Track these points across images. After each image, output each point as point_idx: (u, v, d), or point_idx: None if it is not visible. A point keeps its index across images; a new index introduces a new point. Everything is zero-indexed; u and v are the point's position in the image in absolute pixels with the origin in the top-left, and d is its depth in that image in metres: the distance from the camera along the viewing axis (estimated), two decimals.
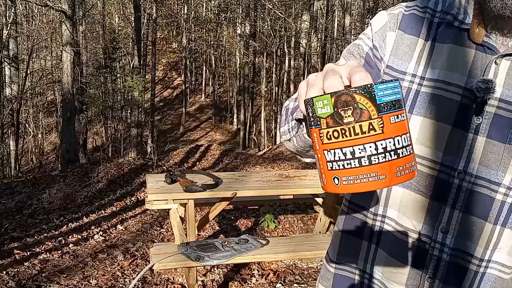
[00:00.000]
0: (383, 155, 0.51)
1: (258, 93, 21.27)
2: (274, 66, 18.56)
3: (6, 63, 11.67)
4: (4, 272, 3.72)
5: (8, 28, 11.84)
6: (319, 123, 0.53)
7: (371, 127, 0.51)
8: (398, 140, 0.52)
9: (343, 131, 0.51)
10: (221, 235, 4.70)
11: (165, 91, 26.97)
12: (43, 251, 4.33)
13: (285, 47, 17.05)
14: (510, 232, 0.77)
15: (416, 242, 0.82)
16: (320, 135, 0.54)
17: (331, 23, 20.13)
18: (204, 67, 25.85)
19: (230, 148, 14.51)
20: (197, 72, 27.45)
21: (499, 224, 0.77)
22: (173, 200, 3.21)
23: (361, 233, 0.89)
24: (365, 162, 0.51)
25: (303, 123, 0.74)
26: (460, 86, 0.77)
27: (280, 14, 15.92)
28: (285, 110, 0.84)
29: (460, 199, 0.77)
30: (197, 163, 11.20)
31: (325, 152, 0.54)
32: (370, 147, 0.51)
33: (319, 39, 16.20)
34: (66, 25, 9.49)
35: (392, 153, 0.52)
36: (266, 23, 18.02)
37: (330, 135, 0.52)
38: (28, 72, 13.79)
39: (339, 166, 0.53)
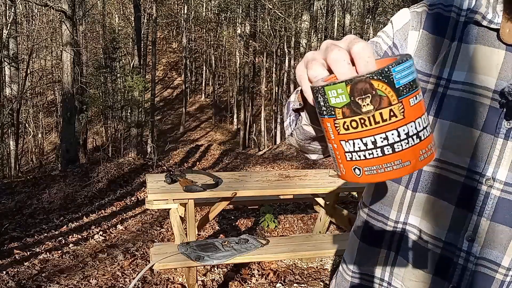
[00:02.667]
0: (406, 141, 0.48)
1: (258, 93, 21.27)
2: (274, 66, 18.57)
3: (6, 63, 11.67)
4: (4, 272, 3.72)
5: (8, 28, 11.84)
6: (333, 113, 0.49)
7: (392, 113, 0.48)
8: (419, 122, 0.49)
9: (362, 121, 0.48)
10: (221, 235, 4.70)
11: (165, 91, 26.97)
12: (43, 251, 4.33)
13: (285, 47, 17.05)
14: None
15: (439, 250, 0.79)
16: (336, 125, 0.50)
17: (331, 23, 20.13)
18: (204, 67, 25.86)
19: (230, 148, 14.51)
20: (197, 72, 27.46)
21: None
22: (173, 200, 3.21)
23: (381, 241, 0.86)
24: (388, 151, 0.48)
25: (301, 114, 0.72)
26: (490, 89, 0.73)
27: (280, 14, 15.92)
28: (287, 104, 0.81)
29: (487, 206, 0.74)
30: (197, 163, 11.20)
31: (343, 142, 0.50)
32: (393, 134, 0.48)
33: (319, 39, 16.21)
34: (66, 25, 9.49)
35: (414, 137, 0.49)
36: (266, 23, 18.02)
37: (347, 126, 0.49)
38: (28, 72, 13.79)
39: (359, 156, 0.50)
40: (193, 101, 25.69)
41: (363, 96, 0.47)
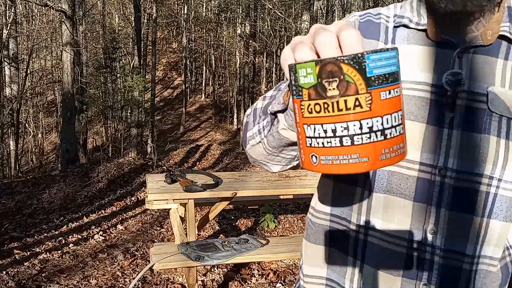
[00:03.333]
0: (367, 135, 0.46)
1: (258, 93, 21.27)
2: (274, 66, 18.57)
3: (6, 63, 11.67)
4: (4, 272, 3.72)
5: (8, 28, 11.84)
6: (300, 93, 0.48)
7: (357, 103, 0.45)
8: (387, 119, 0.46)
9: (326, 106, 0.46)
10: (221, 235, 4.70)
11: (165, 91, 26.97)
12: (43, 251, 4.33)
13: (285, 47, 17.04)
14: (496, 223, 0.77)
15: (405, 249, 0.79)
16: (301, 107, 0.48)
17: (331, 23, 20.13)
18: (204, 67, 25.86)
19: (230, 148, 14.50)
20: (197, 72, 27.46)
21: (486, 217, 0.76)
22: (173, 200, 3.21)
23: (347, 248, 0.85)
24: (346, 142, 0.46)
25: (279, 117, 0.71)
26: (428, 83, 0.77)
27: (280, 14, 15.93)
28: (253, 111, 0.80)
29: (444, 197, 0.76)
30: (197, 163, 11.20)
31: (305, 126, 0.48)
32: (354, 125, 0.45)
33: None
34: (66, 25, 9.49)
35: (378, 133, 0.46)
36: (266, 23, 18.03)
37: (311, 109, 0.47)
38: (28, 72, 13.79)
39: (318, 143, 0.48)
40: (193, 101, 25.69)
41: (330, 80, 0.45)
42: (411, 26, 0.80)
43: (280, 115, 0.71)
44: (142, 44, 14.59)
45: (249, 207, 5.47)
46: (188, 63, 23.77)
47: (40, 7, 15.90)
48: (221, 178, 3.43)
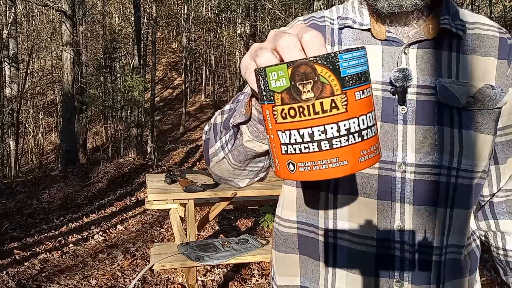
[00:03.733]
0: (345, 137, 0.44)
1: None
2: None
3: (6, 63, 11.67)
4: (4, 272, 3.72)
5: (8, 28, 11.84)
6: (272, 98, 0.45)
7: (333, 104, 0.44)
8: (363, 119, 0.45)
9: (301, 109, 0.44)
10: (221, 235, 4.70)
11: (165, 91, 26.97)
12: (43, 251, 4.33)
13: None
14: (458, 211, 0.78)
15: (375, 248, 0.78)
16: (274, 112, 0.46)
17: None
18: (204, 67, 25.85)
19: None
20: (197, 72, 27.45)
21: (449, 207, 0.77)
22: (173, 200, 3.21)
23: (318, 254, 0.84)
24: (325, 146, 0.44)
25: (242, 129, 0.68)
26: (378, 81, 0.77)
27: (280, 14, 15.92)
28: (213, 127, 0.77)
29: (406, 192, 0.76)
30: (197, 163, 11.20)
31: (279, 133, 0.46)
32: (332, 128, 0.44)
33: None
34: (66, 25, 9.49)
35: (356, 135, 0.45)
36: (266, 23, 18.03)
37: (285, 114, 0.45)
38: (28, 72, 13.79)
39: (295, 150, 0.45)
40: (193, 101, 25.68)
41: (304, 82, 0.43)
42: (355, 27, 0.81)
43: (243, 127, 0.68)
44: (142, 44, 14.59)
45: (249, 207, 5.47)
46: (188, 63, 23.76)
47: (40, 7, 15.91)
48: None
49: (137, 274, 3.64)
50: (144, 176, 7.40)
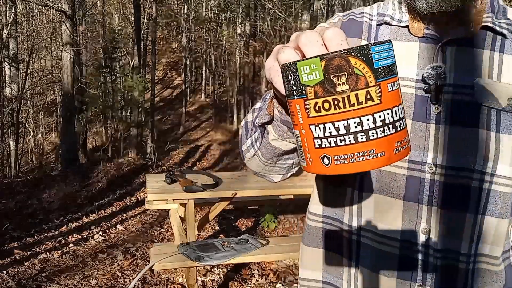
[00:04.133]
0: (381, 129, 0.44)
1: (258, 93, 21.26)
2: None
3: (6, 63, 11.67)
4: (4, 272, 3.72)
5: (8, 28, 11.83)
6: (304, 92, 0.45)
7: (368, 96, 0.44)
8: (395, 111, 0.45)
9: (336, 102, 0.44)
10: (221, 235, 4.70)
11: (165, 91, 26.96)
12: (43, 251, 4.33)
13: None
14: (490, 220, 0.74)
15: (398, 250, 0.76)
16: (306, 106, 0.45)
17: None
18: (204, 67, 25.84)
19: (230, 148, 14.50)
20: (197, 72, 27.44)
21: (480, 213, 0.74)
22: (173, 200, 3.21)
23: (342, 250, 0.83)
24: (361, 138, 0.44)
25: (267, 128, 0.70)
26: (412, 78, 0.75)
27: (280, 14, 15.91)
28: (244, 125, 0.79)
29: (435, 194, 0.74)
30: (197, 163, 11.20)
31: (312, 127, 0.46)
32: (368, 120, 0.44)
33: None
34: (66, 25, 9.48)
35: (390, 126, 0.45)
36: (266, 23, 18.03)
37: (319, 107, 0.45)
38: (28, 72, 13.79)
39: (330, 143, 0.45)
40: (193, 101, 25.68)
41: (339, 74, 0.43)
42: (393, 23, 0.79)
43: (268, 126, 0.69)
44: (142, 44, 14.59)
45: (249, 207, 5.47)
46: (188, 63, 23.76)
47: (40, 7, 15.90)
48: (221, 178, 3.43)
49: (137, 274, 3.64)
50: (144, 176, 7.40)
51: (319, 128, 0.45)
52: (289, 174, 0.83)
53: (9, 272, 3.74)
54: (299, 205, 5.65)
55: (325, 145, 0.46)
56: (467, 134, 0.73)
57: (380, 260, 0.78)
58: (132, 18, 13.99)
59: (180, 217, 3.46)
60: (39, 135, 16.39)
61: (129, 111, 13.41)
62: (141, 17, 13.68)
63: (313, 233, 0.88)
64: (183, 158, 11.48)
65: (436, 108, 0.74)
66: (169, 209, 3.66)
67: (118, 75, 16.04)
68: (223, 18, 24.65)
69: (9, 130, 11.74)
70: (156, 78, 20.03)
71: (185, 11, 22.73)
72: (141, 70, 13.12)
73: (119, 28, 19.09)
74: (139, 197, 6.76)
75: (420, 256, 0.76)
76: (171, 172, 3.45)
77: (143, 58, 15.11)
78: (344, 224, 0.82)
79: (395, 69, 0.46)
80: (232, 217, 5.31)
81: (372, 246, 0.79)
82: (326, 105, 0.44)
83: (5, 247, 4.43)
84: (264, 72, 0.53)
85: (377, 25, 0.81)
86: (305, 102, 0.45)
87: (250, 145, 0.77)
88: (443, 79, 0.73)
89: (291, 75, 0.46)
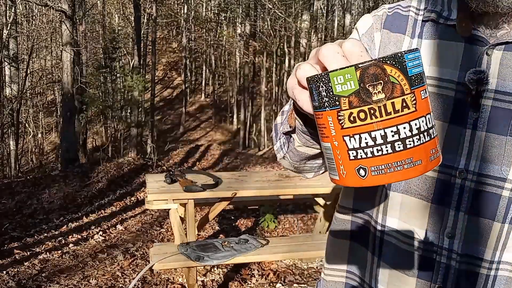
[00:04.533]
0: (417, 136, 0.44)
1: (258, 93, 21.29)
2: (274, 66, 18.56)
3: (6, 63, 11.67)
4: (4, 272, 3.72)
5: (8, 28, 11.83)
6: (337, 103, 0.44)
7: (404, 104, 0.43)
8: (428, 118, 0.45)
9: (372, 111, 0.43)
10: (221, 235, 4.70)
11: (165, 91, 26.96)
12: (43, 251, 4.33)
13: (285, 46, 17.05)
14: None
15: (421, 251, 0.77)
16: (339, 118, 0.44)
17: (331, 22, 20.14)
18: (204, 67, 25.85)
19: (230, 148, 14.51)
20: (197, 72, 27.45)
21: (507, 223, 0.73)
22: (173, 200, 3.21)
23: (367, 243, 0.85)
24: (399, 147, 0.43)
25: (293, 136, 0.71)
26: (453, 81, 0.73)
27: (280, 14, 15.91)
28: (275, 127, 0.80)
29: (464, 200, 0.73)
30: (197, 163, 11.20)
31: (346, 138, 0.45)
32: (404, 128, 0.43)
33: (319, 39, 16.21)
34: (66, 25, 9.48)
35: (425, 134, 0.45)
36: (266, 23, 18.03)
37: (354, 117, 0.44)
38: (28, 72, 13.79)
39: (366, 154, 0.44)
40: (193, 101, 25.68)
41: (375, 83, 0.43)
42: (440, 21, 0.77)
43: (293, 134, 0.70)
44: (142, 44, 14.59)
45: (249, 207, 5.47)
46: (188, 63, 23.76)
47: (40, 7, 15.90)
48: (221, 178, 3.43)
49: (137, 274, 3.64)
50: (144, 176, 7.40)
51: (354, 139, 0.44)
52: (322, 171, 0.83)
53: (9, 272, 3.74)
54: (299, 205, 5.65)
55: (361, 156, 0.45)
56: (502, 143, 0.71)
57: (402, 258, 0.79)
58: (132, 18, 13.99)
59: (180, 217, 3.46)
60: (39, 135, 16.39)
61: (129, 111, 13.41)
62: (141, 17, 13.68)
63: (341, 225, 0.90)
64: (183, 158, 11.48)
65: (475, 114, 0.72)
66: (169, 209, 3.66)
67: (118, 75, 16.05)
68: (223, 18, 24.66)
69: (9, 130, 11.74)
70: (156, 78, 20.04)
71: (185, 11, 22.73)
72: (141, 70, 13.12)
73: (119, 28, 19.10)
74: (139, 197, 6.76)
75: (442, 259, 0.76)
76: (171, 172, 3.45)
77: (143, 58, 15.11)
78: (372, 220, 0.83)
79: (424, 77, 0.46)
80: (232, 217, 5.31)
81: (395, 244, 0.80)
82: (362, 115, 0.43)
83: (5, 247, 4.43)
84: (287, 91, 0.53)
85: (423, 20, 0.79)
86: (339, 113, 0.44)
87: (279, 147, 0.79)
88: (485, 85, 0.71)
89: (322, 87, 0.45)
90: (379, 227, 0.81)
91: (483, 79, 0.70)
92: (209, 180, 3.36)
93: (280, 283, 3.50)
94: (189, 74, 25.03)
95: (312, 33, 15.42)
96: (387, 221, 0.80)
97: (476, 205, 0.73)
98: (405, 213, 0.78)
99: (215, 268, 3.64)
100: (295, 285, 3.48)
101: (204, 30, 25.20)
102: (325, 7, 19.04)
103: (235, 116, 21.70)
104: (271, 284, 3.49)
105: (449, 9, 0.77)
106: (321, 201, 3.82)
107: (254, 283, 3.49)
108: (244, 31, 19.12)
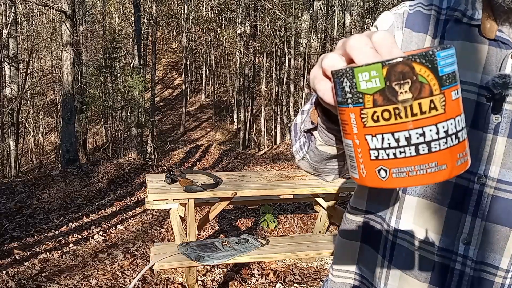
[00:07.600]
0: (444, 140, 0.42)
1: (258, 93, 21.30)
2: (274, 66, 18.56)
3: (6, 63, 11.67)
4: (4, 272, 3.72)
5: (8, 28, 11.83)
6: (361, 100, 0.42)
7: (432, 105, 0.41)
8: (458, 120, 0.43)
9: (397, 111, 0.41)
10: (221, 235, 4.70)
11: (165, 91, 26.97)
12: (43, 251, 4.33)
13: (285, 47, 17.05)
14: None
15: (434, 256, 0.75)
16: (362, 116, 0.43)
17: (331, 23, 20.13)
18: (204, 67, 25.85)
19: (230, 148, 14.50)
20: (197, 72, 27.46)
21: None
22: (173, 200, 3.21)
23: (378, 245, 0.83)
24: (423, 150, 0.41)
25: (313, 134, 0.69)
26: (475, 84, 0.71)
27: (280, 14, 15.92)
28: (293, 127, 0.78)
29: (481, 206, 0.71)
30: (197, 163, 11.20)
31: (368, 137, 0.43)
32: (431, 130, 0.41)
33: (319, 39, 16.22)
34: (66, 25, 9.49)
35: (453, 137, 0.42)
36: (266, 23, 18.04)
37: (377, 116, 0.42)
38: (28, 72, 13.79)
39: (388, 155, 0.42)
40: (193, 101, 25.69)
41: (402, 82, 0.40)
42: (464, 21, 0.74)
43: (314, 132, 0.68)
44: (142, 44, 14.59)
45: (249, 207, 5.47)
46: (188, 63, 23.77)
47: (40, 7, 15.90)
48: (221, 178, 3.43)
49: (137, 274, 3.64)
50: (144, 176, 7.40)
51: (377, 138, 0.43)
52: (342, 174, 0.81)
53: (9, 272, 3.74)
54: (299, 205, 5.65)
55: (383, 157, 0.43)
56: None
57: (414, 263, 0.77)
58: (132, 18, 13.99)
59: (180, 217, 3.46)
60: (39, 135, 16.40)
61: (129, 111, 13.41)
62: (141, 17, 13.68)
63: (352, 226, 0.88)
64: (183, 158, 11.48)
65: (496, 118, 0.70)
66: (169, 209, 3.66)
67: (118, 75, 16.05)
68: (223, 18, 24.66)
69: (9, 130, 11.74)
70: (156, 78, 20.04)
71: (185, 11, 22.74)
72: (141, 70, 13.12)
73: (119, 28, 19.11)
74: (139, 197, 6.76)
75: (456, 266, 0.74)
76: (171, 172, 3.45)
77: (143, 58, 15.12)
78: (385, 222, 0.81)
79: (457, 76, 0.43)
80: (232, 217, 5.31)
81: (407, 248, 0.78)
82: (386, 115, 0.42)
83: (5, 247, 4.43)
84: (309, 81, 0.51)
85: (445, 20, 0.76)
86: (362, 111, 0.43)
87: (298, 148, 0.76)
88: (509, 89, 0.69)
89: (346, 82, 0.43)
90: (391, 230, 0.80)
91: (508, 83, 0.68)
92: (209, 180, 3.37)
93: (280, 282, 3.50)
94: (189, 74, 25.03)
95: (312, 33, 15.42)
96: (401, 224, 0.78)
97: (494, 212, 0.71)
98: (419, 217, 0.76)
99: (215, 268, 3.64)
100: (295, 285, 3.48)
101: (204, 30, 25.22)
102: (325, 7, 19.04)
103: (235, 116, 21.71)
104: (271, 284, 3.49)
105: (474, 8, 0.74)
106: (321, 201, 3.82)
107: (254, 283, 3.49)
108: (244, 31, 19.12)
